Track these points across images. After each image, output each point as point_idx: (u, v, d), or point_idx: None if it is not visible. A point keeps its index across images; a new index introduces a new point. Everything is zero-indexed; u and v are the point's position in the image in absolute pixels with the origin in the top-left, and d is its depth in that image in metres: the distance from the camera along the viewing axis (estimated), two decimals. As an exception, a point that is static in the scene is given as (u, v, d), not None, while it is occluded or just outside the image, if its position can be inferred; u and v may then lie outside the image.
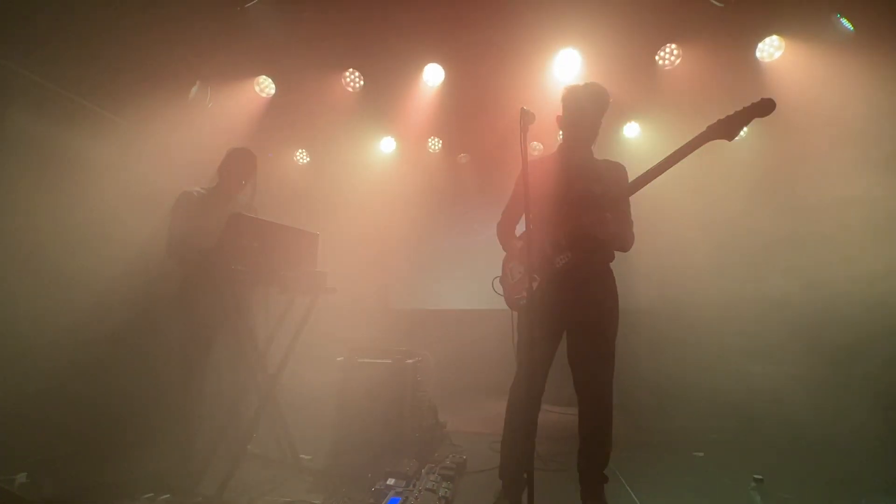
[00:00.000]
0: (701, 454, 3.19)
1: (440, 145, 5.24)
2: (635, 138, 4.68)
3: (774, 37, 3.69)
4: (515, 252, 2.24)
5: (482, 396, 4.66)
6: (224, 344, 2.80)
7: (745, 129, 3.02)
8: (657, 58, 3.92)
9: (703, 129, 1.86)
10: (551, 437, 3.32)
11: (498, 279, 2.28)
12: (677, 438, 3.49)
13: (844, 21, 3.37)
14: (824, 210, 3.68)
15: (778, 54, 3.72)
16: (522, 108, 1.83)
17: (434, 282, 5.53)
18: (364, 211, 5.25)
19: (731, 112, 1.80)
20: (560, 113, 2.20)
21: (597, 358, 2.08)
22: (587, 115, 2.13)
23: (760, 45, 3.73)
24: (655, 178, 1.93)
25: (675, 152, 1.89)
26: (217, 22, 3.43)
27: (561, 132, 2.26)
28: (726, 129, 1.81)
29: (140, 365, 3.23)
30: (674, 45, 3.86)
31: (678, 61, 3.89)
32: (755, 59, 3.76)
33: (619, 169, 2.24)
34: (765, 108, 1.76)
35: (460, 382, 4.77)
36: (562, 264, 2.05)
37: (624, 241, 2.15)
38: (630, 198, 2.12)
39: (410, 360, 3.20)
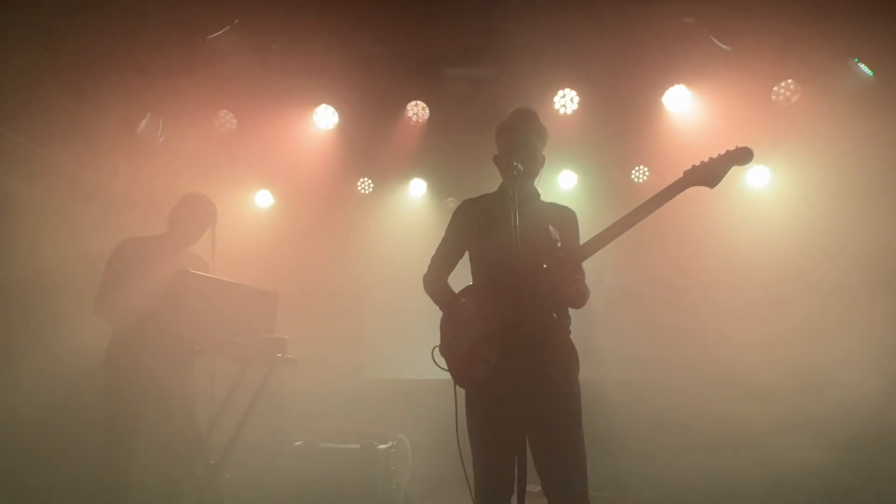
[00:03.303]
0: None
1: (425, 188, 5.38)
2: (644, 182, 4.89)
3: (790, 81, 3.98)
4: (463, 313, 2.15)
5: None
6: (156, 425, 2.73)
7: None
8: (664, 100, 4.18)
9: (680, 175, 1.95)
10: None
11: (438, 348, 2.20)
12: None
13: (863, 66, 3.67)
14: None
15: (795, 98, 4.00)
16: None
17: (416, 346, 5.44)
18: (333, 265, 5.25)
19: (707, 159, 1.92)
20: (496, 153, 2.23)
21: (566, 444, 2.02)
22: (528, 142, 2.16)
23: (775, 89, 4.02)
24: (628, 229, 1.95)
25: (650, 200, 1.93)
26: (175, 55, 3.59)
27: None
28: (706, 175, 1.91)
29: (46, 449, 3.09)
30: (683, 86, 4.13)
31: (688, 104, 4.15)
32: (770, 103, 4.04)
33: (569, 214, 2.27)
34: (743, 156, 1.89)
35: (444, 472, 4.62)
36: (524, 328, 1.92)
37: (582, 297, 2.15)
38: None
39: (383, 446, 3.17)
